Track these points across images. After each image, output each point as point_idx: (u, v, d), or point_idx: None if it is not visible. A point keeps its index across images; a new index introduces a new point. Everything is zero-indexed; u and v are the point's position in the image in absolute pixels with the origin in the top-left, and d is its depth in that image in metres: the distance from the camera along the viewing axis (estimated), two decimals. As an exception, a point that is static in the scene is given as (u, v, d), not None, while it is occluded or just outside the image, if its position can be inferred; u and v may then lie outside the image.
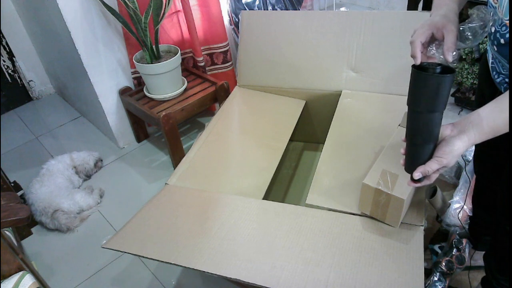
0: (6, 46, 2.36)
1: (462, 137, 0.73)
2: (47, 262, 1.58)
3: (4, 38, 2.34)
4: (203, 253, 0.96)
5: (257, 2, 2.05)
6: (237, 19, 2.04)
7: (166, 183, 1.21)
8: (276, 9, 2.10)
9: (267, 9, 2.08)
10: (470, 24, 0.77)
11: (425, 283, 1.16)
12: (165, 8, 1.70)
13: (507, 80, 0.85)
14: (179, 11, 1.90)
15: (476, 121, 0.73)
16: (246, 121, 1.50)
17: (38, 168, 1.86)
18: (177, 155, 1.86)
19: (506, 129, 0.72)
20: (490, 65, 0.92)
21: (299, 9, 2.21)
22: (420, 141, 0.78)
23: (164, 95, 1.83)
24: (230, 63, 2.12)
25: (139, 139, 2.16)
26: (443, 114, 0.77)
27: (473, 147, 1.27)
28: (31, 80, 2.54)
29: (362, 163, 1.14)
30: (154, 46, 1.76)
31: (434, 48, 0.79)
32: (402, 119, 1.12)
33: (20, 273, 1.12)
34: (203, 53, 2.03)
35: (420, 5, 2.02)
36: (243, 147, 1.37)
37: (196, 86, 1.94)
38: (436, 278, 1.27)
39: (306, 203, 1.06)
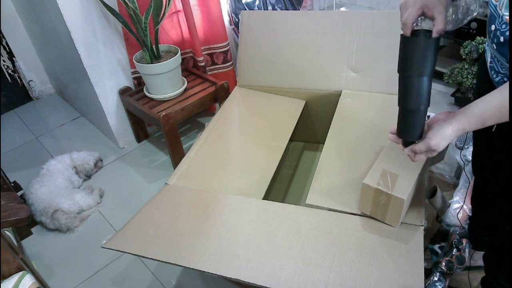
0: (6, 46, 2.36)
1: (452, 121, 0.79)
2: (47, 262, 1.58)
3: (4, 38, 2.34)
4: (203, 253, 0.96)
5: (257, 2, 2.05)
6: (237, 19, 2.04)
7: (166, 183, 1.21)
8: (276, 9, 2.10)
9: (267, 9, 2.08)
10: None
11: (425, 283, 1.16)
12: (165, 8, 1.70)
13: (505, 79, 0.86)
14: (179, 11, 1.90)
15: (466, 110, 0.79)
16: (246, 121, 1.50)
17: (38, 168, 1.86)
18: (177, 155, 1.86)
19: (493, 121, 0.76)
20: (488, 64, 0.92)
21: (299, 9, 2.21)
22: (411, 106, 0.84)
23: (164, 95, 1.83)
24: (230, 63, 2.12)
25: (139, 139, 2.16)
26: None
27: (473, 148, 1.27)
28: (31, 80, 2.54)
29: (362, 163, 1.14)
30: (154, 46, 1.76)
31: (421, 21, 0.83)
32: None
33: (20, 273, 1.12)
34: (203, 53, 2.03)
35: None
36: (243, 147, 1.37)
37: (196, 86, 1.94)
38: (436, 278, 1.27)
39: (306, 203, 1.06)
